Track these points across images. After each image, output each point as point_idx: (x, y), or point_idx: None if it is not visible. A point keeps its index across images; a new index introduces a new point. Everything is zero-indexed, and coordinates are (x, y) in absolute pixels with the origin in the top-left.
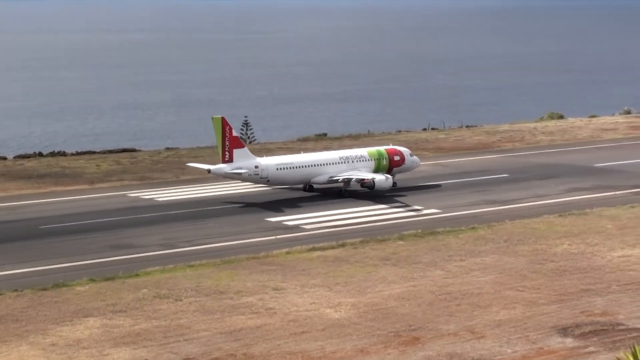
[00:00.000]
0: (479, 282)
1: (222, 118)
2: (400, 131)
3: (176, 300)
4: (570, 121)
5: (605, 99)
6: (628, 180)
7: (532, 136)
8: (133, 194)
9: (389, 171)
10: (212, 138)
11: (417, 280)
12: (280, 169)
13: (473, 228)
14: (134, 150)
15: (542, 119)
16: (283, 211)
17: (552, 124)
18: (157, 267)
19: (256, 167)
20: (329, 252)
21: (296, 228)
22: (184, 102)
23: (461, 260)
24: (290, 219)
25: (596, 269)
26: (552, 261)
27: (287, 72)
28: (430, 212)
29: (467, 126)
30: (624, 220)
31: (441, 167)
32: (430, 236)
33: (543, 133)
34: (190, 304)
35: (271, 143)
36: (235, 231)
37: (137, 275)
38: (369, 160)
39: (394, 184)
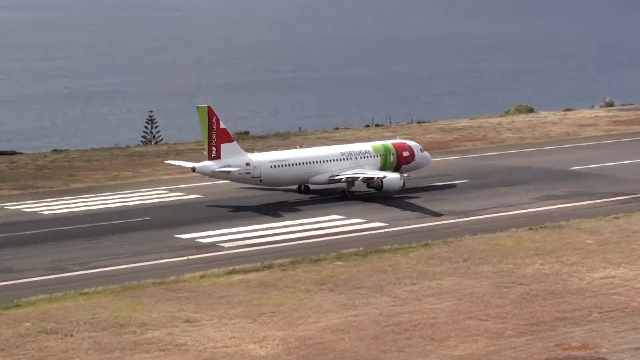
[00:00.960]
0: (434, 311)
1: (209, 107)
2: (337, 128)
3: (66, 335)
4: (542, 115)
5: (584, 88)
6: (611, 186)
7: (496, 134)
8: (12, 206)
9: (396, 169)
10: (117, 138)
11: (359, 308)
12: (275, 166)
13: (426, 245)
14: (12, 154)
15: (508, 112)
16: (197, 226)
17: (520, 119)
18: (42, 296)
19: (247, 164)
20: (253, 276)
21: (212, 246)
22: (78, 94)
23: (412, 284)
24: (205, 235)
25: (574, 293)
26: (521, 284)
27: (206, 56)
28: (374, 225)
29: (418, 122)
30: (606, 234)
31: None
32: (374, 255)
33: (509, 130)
34: (83, 340)
35: (182, 144)
36: (139, 251)
37: (18, 306)
38: (374, 156)
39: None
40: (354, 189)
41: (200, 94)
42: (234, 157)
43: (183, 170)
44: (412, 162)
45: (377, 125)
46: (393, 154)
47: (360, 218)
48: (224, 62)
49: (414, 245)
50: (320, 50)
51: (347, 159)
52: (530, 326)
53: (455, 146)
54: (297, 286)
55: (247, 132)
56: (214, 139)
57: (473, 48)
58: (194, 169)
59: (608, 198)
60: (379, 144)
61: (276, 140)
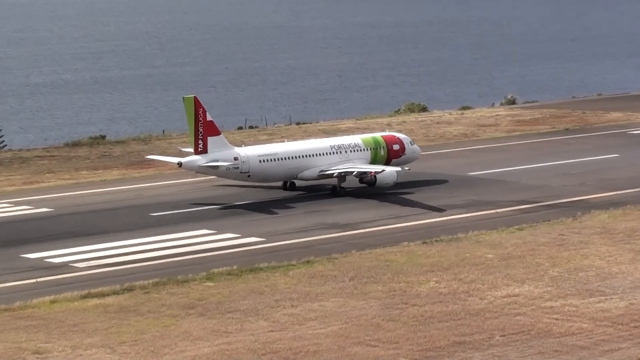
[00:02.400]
0: (317, 336)
1: (195, 98)
2: None
3: None
4: (436, 115)
5: (483, 84)
6: (513, 194)
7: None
8: None
9: (387, 163)
10: None
11: (233, 335)
12: (264, 161)
13: (308, 262)
14: None
15: (398, 112)
16: (46, 244)
17: (412, 119)
18: None
19: (235, 159)
20: (111, 300)
21: (65, 267)
22: None
23: (292, 306)
24: (56, 254)
25: (473, 314)
26: (415, 305)
27: (54, 51)
28: (250, 241)
29: (297, 123)
30: (509, 247)
31: None
32: (249, 274)
33: (400, 131)
34: None
35: (27, 150)
36: None
37: None
38: (364, 149)
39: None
40: (345, 184)
41: (46, 93)
42: (222, 151)
43: (32, 180)
44: (403, 156)
45: (250, 127)
46: (383, 148)
47: (233, 232)
48: (67, 58)
49: (294, 262)
50: (187, 42)
51: (337, 152)
52: (425, 352)
53: None
54: (161, 311)
55: (103, 137)
56: (201, 132)
57: (362, 39)
58: (180, 164)
59: (510, 207)
60: (369, 136)
61: (136, 146)
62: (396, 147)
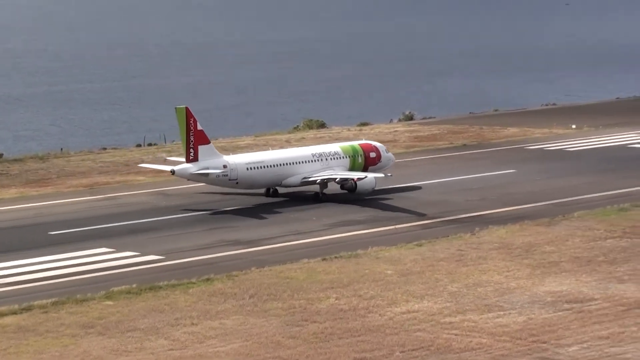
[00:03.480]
0: (218, 354)
1: (186, 108)
2: (105, 148)
3: None
4: (335, 131)
5: (384, 100)
6: (412, 210)
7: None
8: None
9: (364, 170)
10: None
11: (133, 354)
12: (251, 168)
13: (208, 280)
14: None
15: (297, 128)
16: None
17: (310, 135)
18: None
19: (224, 166)
20: (9, 320)
21: None
22: None
23: (192, 324)
24: None
25: (373, 331)
26: (315, 322)
27: None
28: (149, 259)
29: None
30: (408, 263)
31: (162, 197)
32: (149, 292)
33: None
34: None
35: None
36: None
37: None
38: (343, 157)
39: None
40: (326, 190)
41: None
42: (211, 159)
43: None
44: (379, 163)
45: (149, 145)
46: (361, 155)
47: (132, 251)
48: None
49: (193, 280)
50: (88, 60)
51: (319, 160)
52: None
53: None
54: (60, 330)
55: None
56: (192, 141)
57: (262, 56)
58: (173, 172)
59: (409, 223)
60: (347, 145)
61: (34, 164)
62: (373, 154)
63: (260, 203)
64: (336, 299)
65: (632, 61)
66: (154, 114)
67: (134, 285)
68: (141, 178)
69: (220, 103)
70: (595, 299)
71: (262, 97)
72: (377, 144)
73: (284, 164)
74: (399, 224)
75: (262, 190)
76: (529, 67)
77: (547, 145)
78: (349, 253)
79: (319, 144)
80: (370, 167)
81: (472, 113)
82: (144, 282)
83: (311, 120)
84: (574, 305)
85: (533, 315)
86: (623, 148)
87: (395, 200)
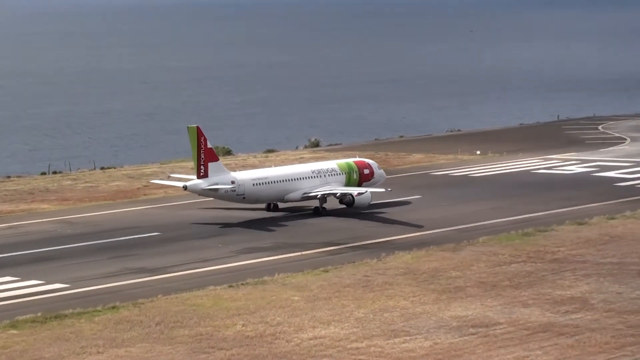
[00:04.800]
0: None
1: (197, 127)
2: (9, 177)
3: None
4: (241, 158)
5: (290, 127)
6: (318, 236)
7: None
8: None
9: (358, 185)
10: None
11: None
12: (257, 184)
13: (113, 308)
14: None
15: None
16: None
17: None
18: None
19: (232, 182)
20: None
21: None
22: None
23: (98, 352)
24: None
25: (280, 357)
26: (222, 349)
27: None
28: (54, 287)
29: (102, 168)
30: (315, 289)
31: (67, 225)
32: (54, 321)
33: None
34: None
35: None
36: None
37: None
38: (340, 173)
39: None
40: (326, 205)
41: None
42: (220, 176)
43: None
44: (372, 179)
45: (54, 173)
46: (356, 172)
47: (37, 279)
48: None
49: (99, 308)
50: None
51: (317, 176)
52: None
53: (145, 194)
54: None
55: None
56: (202, 158)
57: (170, 83)
58: (185, 188)
59: (316, 249)
60: (343, 162)
61: None
62: (366, 171)
63: (168, 231)
64: (243, 326)
65: (535, 87)
66: (59, 141)
67: (39, 314)
68: (45, 206)
69: (128, 130)
70: (501, 324)
71: (168, 125)
72: (371, 162)
73: (286, 180)
74: (305, 250)
75: (263, 206)
76: (435, 94)
77: (452, 171)
78: (256, 280)
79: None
80: (364, 183)
81: (378, 139)
82: (49, 311)
83: (217, 147)
84: (480, 329)
85: (439, 340)
86: (527, 173)
87: (301, 226)
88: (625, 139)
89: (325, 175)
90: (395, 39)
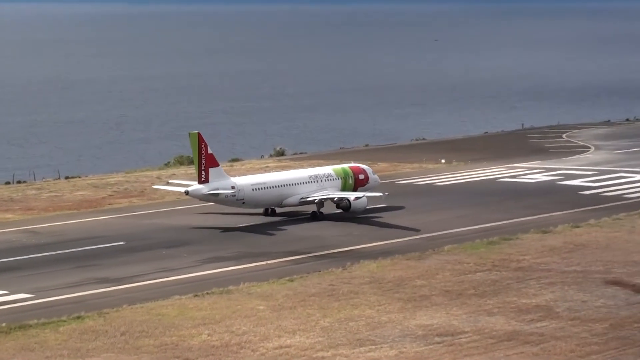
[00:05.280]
0: None
1: (198, 134)
2: None
3: None
4: None
5: (255, 136)
6: (283, 245)
7: (155, 189)
8: None
9: (354, 190)
10: None
11: None
12: (256, 189)
13: (78, 317)
14: None
15: (168, 165)
16: None
17: (181, 172)
18: None
19: (232, 187)
20: None
21: None
22: None
23: None
24: None
25: None
26: (187, 358)
27: None
28: (18, 297)
29: (67, 177)
30: (280, 299)
31: (31, 235)
32: (18, 331)
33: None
34: None
35: None
36: None
37: None
38: (335, 179)
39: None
40: (323, 209)
41: None
42: (220, 181)
43: None
44: (367, 184)
45: (18, 182)
46: (351, 177)
47: (1, 290)
48: None
49: (64, 318)
50: None
51: (314, 181)
52: None
53: (109, 204)
54: None
55: None
56: (203, 164)
57: (137, 92)
58: (187, 193)
59: (281, 258)
60: (339, 167)
61: None
62: (361, 176)
63: (133, 240)
64: (208, 335)
65: (500, 96)
66: (24, 151)
67: (3, 324)
68: (10, 216)
69: (91, 140)
70: (466, 332)
71: (134, 134)
72: (365, 167)
73: (284, 185)
74: (270, 260)
75: (261, 210)
76: (400, 103)
77: (417, 180)
78: (221, 289)
79: (190, 179)
80: (359, 188)
81: (343, 148)
82: (14, 321)
83: (182, 156)
84: (445, 338)
85: (405, 349)
86: (491, 182)
87: (266, 236)
88: (590, 147)
89: (321, 181)
90: (360, 49)
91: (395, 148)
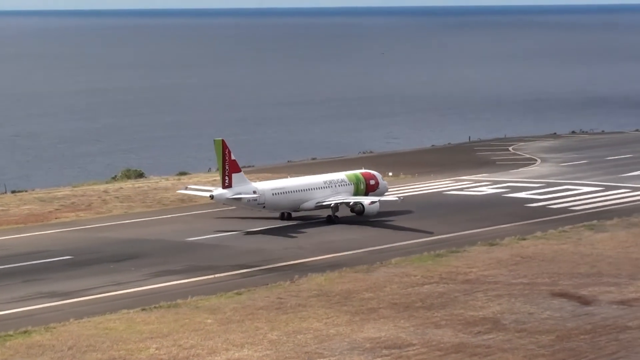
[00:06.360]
0: None
1: (222, 140)
2: None
3: None
4: (153, 181)
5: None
6: (231, 259)
7: (102, 203)
8: None
9: (365, 195)
10: None
11: None
12: (276, 194)
13: (25, 332)
14: None
15: (115, 178)
16: None
17: (129, 186)
18: None
19: (254, 192)
20: None
21: None
22: None
23: None
24: None
25: None
26: None
27: None
28: None
29: (13, 191)
30: (228, 312)
31: None
32: None
33: (117, 198)
34: None
35: None
36: None
37: None
38: (348, 184)
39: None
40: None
41: None
42: (243, 186)
43: None
44: (377, 189)
45: None
46: (363, 182)
47: None
48: None
49: (10, 333)
50: None
51: (329, 187)
52: None
53: (56, 218)
54: None
55: None
56: (227, 169)
57: (82, 106)
58: (212, 197)
59: (229, 272)
60: (351, 173)
61: None
62: (372, 182)
63: (81, 254)
64: (156, 349)
65: (447, 109)
66: None
67: None
68: None
69: (38, 154)
70: (414, 345)
71: (81, 148)
72: (375, 173)
73: (302, 190)
74: (218, 273)
75: (277, 214)
76: (347, 115)
77: None
78: (169, 303)
79: (138, 194)
80: (370, 193)
81: (291, 161)
82: None
83: (129, 170)
84: (393, 350)
85: None
86: (438, 194)
87: (213, 249)
88: (536, 160)
89: (335, 186)
90: (308, 61)
91: (342, 161)
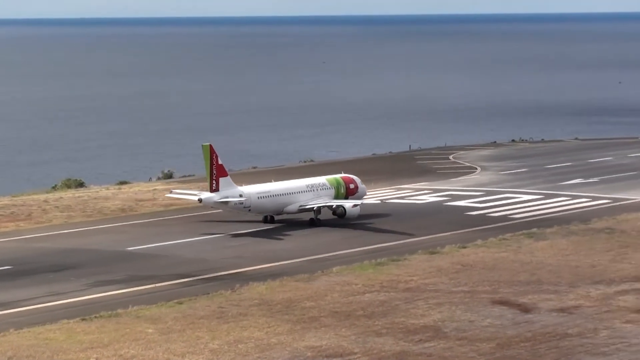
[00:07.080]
0: None
1: (210, 145)
2: None
3: None
4: (94, 190)
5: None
6: (172, 268)
7: (42, 212)
8: None
9: (345, 198)
10: None
11: None
12: (261, 197)
13: None
14: None
15: (55, 188)
16: None
17: (69, 195)
18: None
19: (240, 195)
20: None
21: None
22: None
23: None
24: None
25: None
26: None
27: None
28: None
29: None
30: (169, 321)
31: None
32: None
33: (57, 207)
34: None
35: None
36: None
37: None
38: (329, 188)
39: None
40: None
41: None
42: (230, 190)
43: None
44: (357, 193)
45: None
46: (343, 186)
47: None
48: None
49: None
50: None
51: (311, 190)
52: None
53: None
54: None
55: None
56: (214, 174)
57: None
58: (200, 201)
59: (170, 281)
60: (331, 177)
61: None
62: (352, 185)
63: (20, 264)
64: (97, 359)
65: (387, 118)
66: None
67: None
68: None
69: None
70: (355, 353)
71: (21, 157)
72: (354, 177)
73: (286, 194)
74: (158, 283)
75: (260, 217)
76: (287, 124)
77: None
78: (109, 312)
79: (78, 203)
80: (350, 197)
81: (231, 170)
82: None
83: (70, 179)
84: (334, 359)
85: None
86: (379, 203)
87: (154, 258)
88: (476, 169)
89: (317, 190)
90: (249, 71)
91: (283, 170)
